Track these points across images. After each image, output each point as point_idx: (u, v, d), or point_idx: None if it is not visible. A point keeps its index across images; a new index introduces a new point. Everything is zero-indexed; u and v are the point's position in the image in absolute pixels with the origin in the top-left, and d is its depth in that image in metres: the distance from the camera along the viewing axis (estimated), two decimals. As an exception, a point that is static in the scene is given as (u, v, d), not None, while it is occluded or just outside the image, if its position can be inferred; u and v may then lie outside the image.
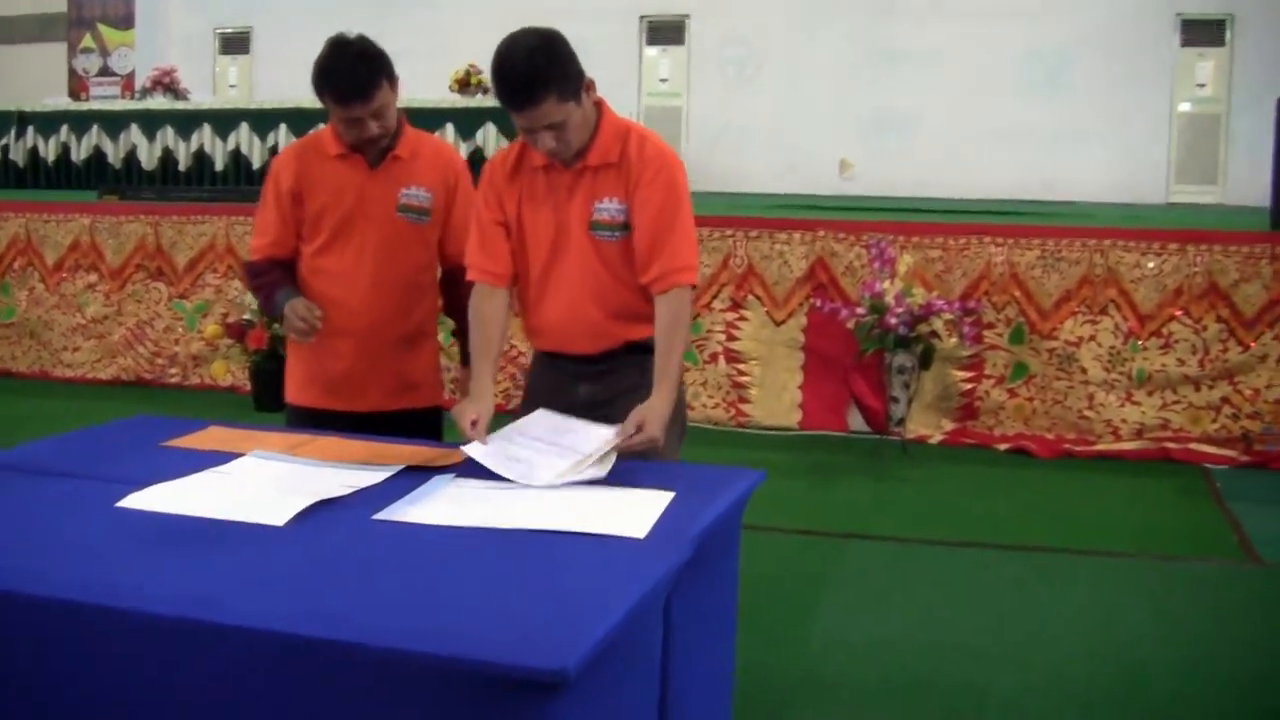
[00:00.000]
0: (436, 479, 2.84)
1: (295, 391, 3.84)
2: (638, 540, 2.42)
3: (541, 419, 3.07)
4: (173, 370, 8.67)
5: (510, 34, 3.07)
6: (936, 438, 7.15)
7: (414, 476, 2.87)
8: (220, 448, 3.12)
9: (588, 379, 3.33)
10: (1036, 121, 13.26)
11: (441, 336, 4.02)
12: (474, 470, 2.93)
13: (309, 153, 3.69)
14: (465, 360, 3.83)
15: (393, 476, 2.86)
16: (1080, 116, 13.17)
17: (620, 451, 2.89)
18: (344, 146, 3.62)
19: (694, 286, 3.22)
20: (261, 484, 2.78)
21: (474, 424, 3.00)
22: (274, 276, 3.69)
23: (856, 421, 7.33)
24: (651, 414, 2.97)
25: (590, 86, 3.12)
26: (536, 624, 1.96)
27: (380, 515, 2.55)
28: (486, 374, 3.22)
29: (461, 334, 3.83)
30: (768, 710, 3.70)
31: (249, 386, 8.00)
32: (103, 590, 2.09)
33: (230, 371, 8.39)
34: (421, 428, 3.69)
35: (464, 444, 2.97)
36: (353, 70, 3.45)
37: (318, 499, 2.61)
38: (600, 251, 3.22)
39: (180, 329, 8.62)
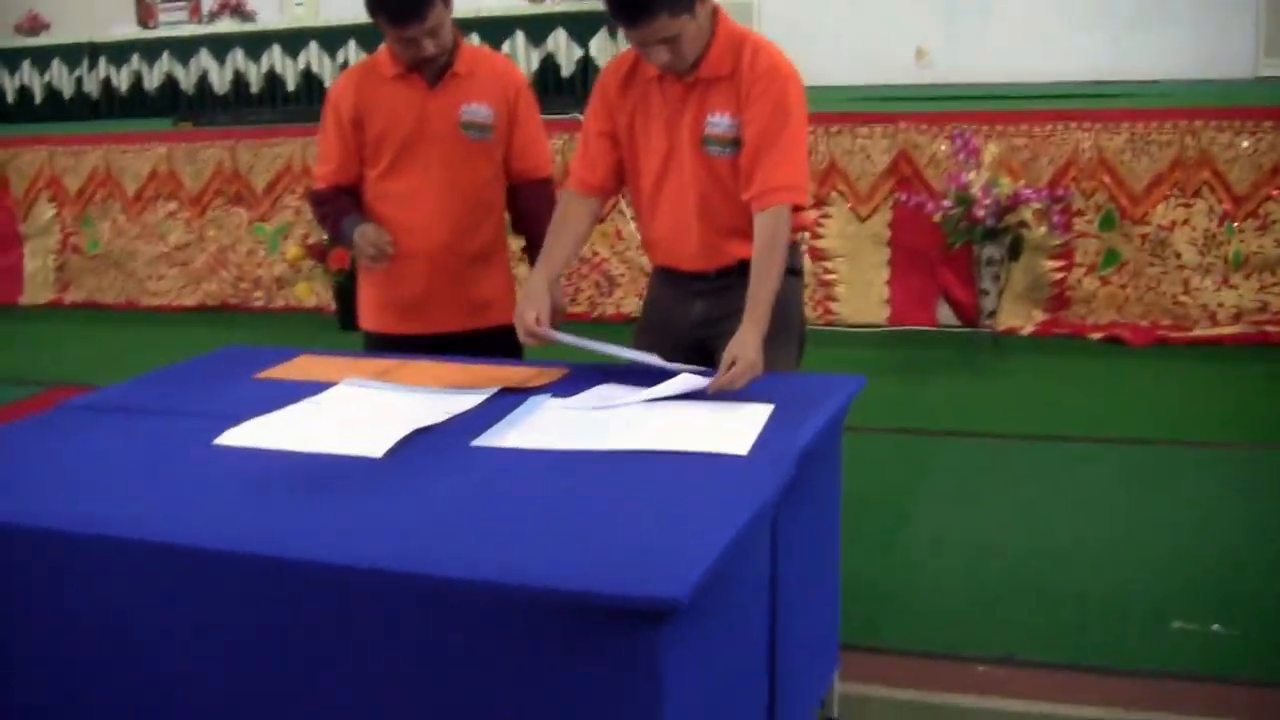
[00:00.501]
0: (532, 400, 2.81)
1: (370, 317, 3.80)
2: (741, 458, 2.38)
3: (626, 391, 2.87)
4: (257, 294, 8.70)
5: None
6: (1028, 329, 7.02)
7: (510, 398, 2.84)
8: (312, 377, 3.11)
9: (702, 295, 3.25)
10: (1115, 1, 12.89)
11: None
12: (570, 387, 2.90)
13: (367, 76, 3.63)
14: None
15: (489, 399, 2.84)
16: (1161, -9, 12.78)
17: (724, 389, 2.75)
18: (401, 67, 3.55)
19: (798, 208, 3.07)
20: (357, 414, 2.76)
21: (537, 321, 2.99)
22: (340, 204, 3.64)
23: (945, 315, 7.22)
24: (744, 346, 2.80)
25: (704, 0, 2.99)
26: (645, 552, 1.93)
27: (479, 441, 2.52)
28: (540, 275, 3.14)
29: (531, 248, 3.76)
30: (870, 620, 3.65)
31: (334, 306, 8.03)
32: (209, 533, 2.07)
33: (315, 292, 8.39)
34: (500, 346, 3.60)
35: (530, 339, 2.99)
36: None
37: (415, 427, 2.59)
38: (712, 167, 3.11)
39: (262, 252, 8.64)
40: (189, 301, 8.86)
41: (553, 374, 3.03)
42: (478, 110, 3.60)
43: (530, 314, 3.01)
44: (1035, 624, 3.68)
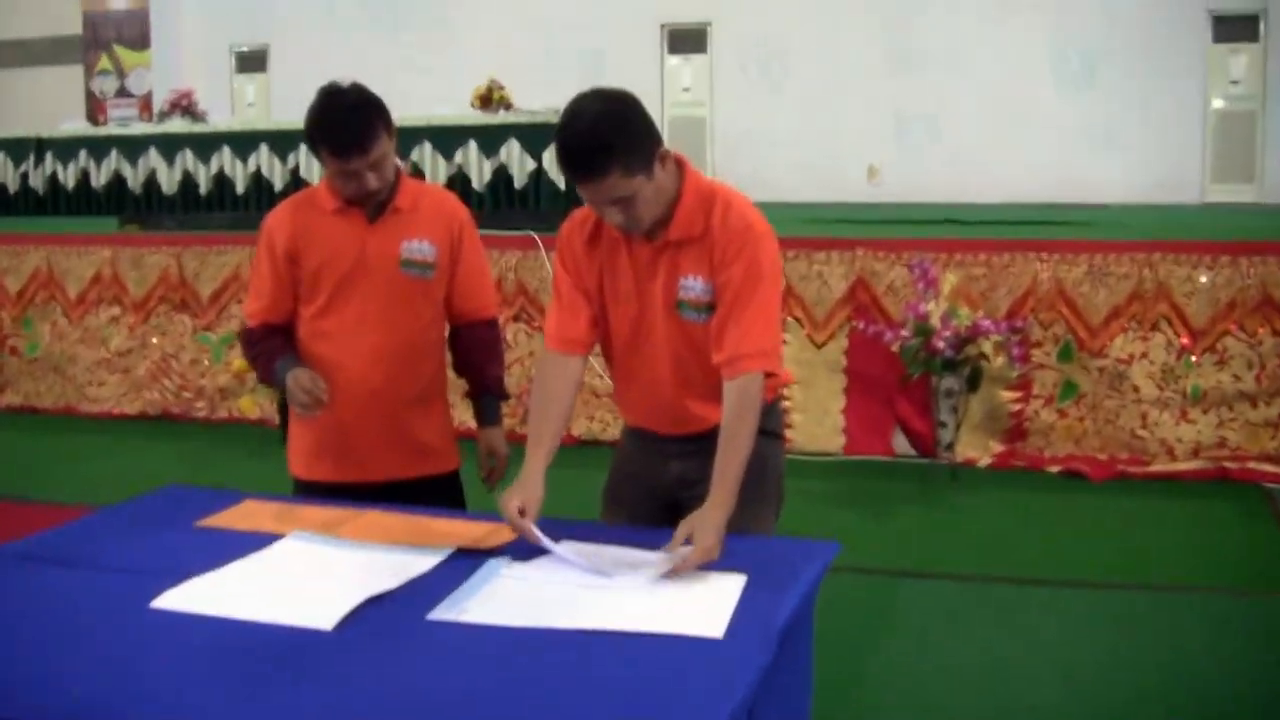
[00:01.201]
0: (490, 564, 2.66)
1: (303, 466, 3.57)
2: (716, 640, 2.24)
3: (578, 548, 2.72)
4: (199, 404, 8.49)
5: (578, 95, 2.80)
6: (985, 460, 6.94)
7: (465, 560, 2.69)
8: (257, 527, 2.95)
9: (679, 457, 3.10)
10: (1067, 121, 13.05)
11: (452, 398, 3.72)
12: (527, 550, 2.75)
13: (304, 209, 3.46)
14: (483, 421, 3.65)
15: (443, 561, 2.69)
16: (1111, 115, 12.95)
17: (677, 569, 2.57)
18: (340, 201, 3.39)
19: (770, 375, 2.89)
20: (305, 575, 2.61)
21: (521, 513, 2.75)
22: (272, 344, 3.44)
23: (901, 445, 7.13)
24: (704, 527, 2.60)
25: (664, 157, 2.81)
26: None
27: (435, 615, 2.37)
28: (538, 458, 2.90)
29: (475, 393, 3.65)
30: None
31: (277, 420, 7.85)
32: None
33: (258, 405, 8.20)
34: (442, 496, 3.48)
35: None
36: (347, 122, 3.22)
37: (367, 596, 2.43)
38: (686, 332, 2.95)
39: (206, 361, 8.45)
40: (129, 409, 8.64)
41: (508, 532, 2.88)
42: (420, 247, 3.43)
43: (514, 503, 2.77)
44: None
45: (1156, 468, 6.72)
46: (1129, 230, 7.67)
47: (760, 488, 2.97)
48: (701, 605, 2.40)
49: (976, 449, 6.96)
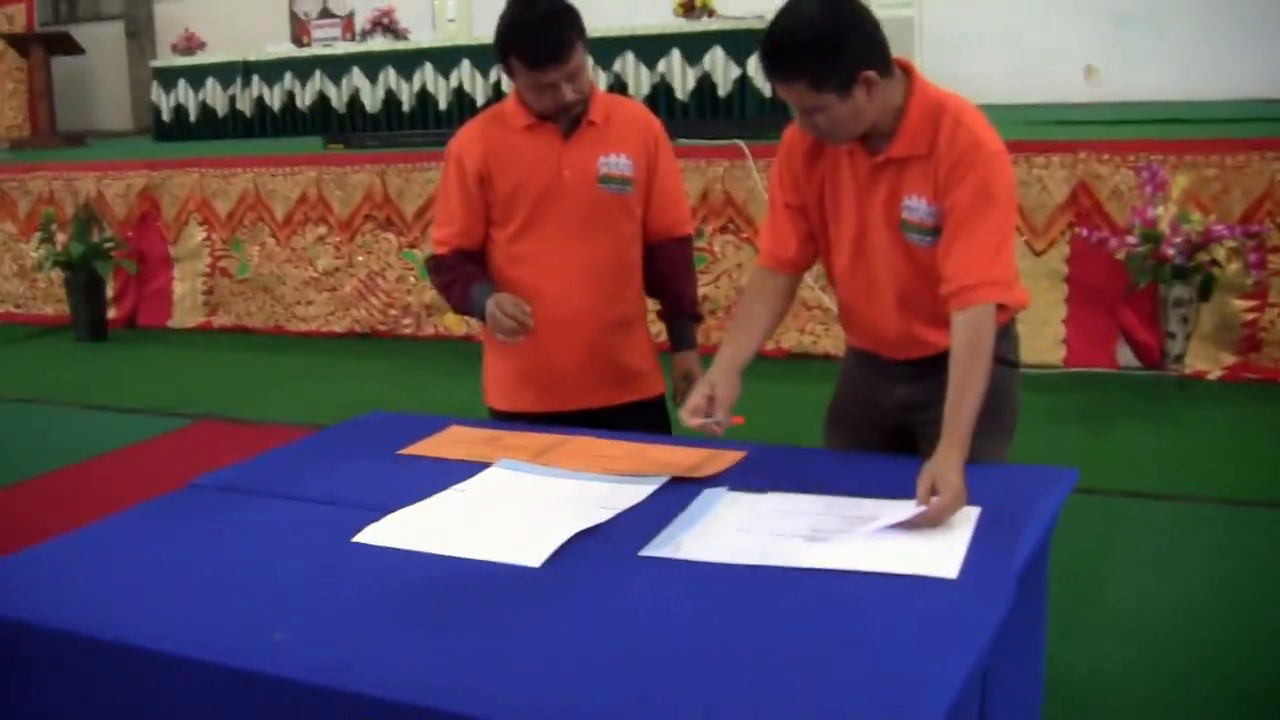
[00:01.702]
0: (705, 495, 2.51)
1: (501, 395, 3.44)
2: (951, 582, 2.06)
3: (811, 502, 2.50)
4: (406, 321, 8.52)
5: None
6: (1215, 373, 6.56)
7: (681, 489, 2.55)
8: (462, 455, 2.86)
9: (905, 379, 2.89)
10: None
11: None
12: (747, 478, 2.60)
13: (493, 128, 3.27)
14: (678, 344, 3.48)
15: (657, 490, 2.55)
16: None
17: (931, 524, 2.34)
18: (533, 116, 3.20)
19: (1003, 306, 2.65)
20: (513, 506, 2.49)
21: (711, 403, 2.65)
22: (465, 271, 3.28)
23: (1125, 356, 6.78)
24: (946, 470, 2.37)
25: (871, 83, 2.54)
26: (858, 703, 1.65)
27: (648, 551, 2.23)
28: (727, 356, 2.77)
29: (669, 312, 3.48)
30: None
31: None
32: (346, 673, 1.81)
33: (465, 321, 8.17)
34: (648, 422, 3.34)
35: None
36: (544, 30, 3.03)
37: (576, 530, 2.31)
38: (911, 254, 2.73)
39: (412, 279, 8.45)
40: (337, 328, 8.72)
41: (727, 458, 2.73)
42: (617, 161, 3.25)
43: (702, 394, 2.66)
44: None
45: (1406, 379, 6.29)
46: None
47: (997, 420, 2.75)
48: (933, 542, 2.22)
49: (1206, 361, 6.58)
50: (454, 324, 8.16)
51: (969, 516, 2.33)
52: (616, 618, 1.97)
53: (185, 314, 9.28)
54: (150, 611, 2.07)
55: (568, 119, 3.22)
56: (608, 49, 9.53)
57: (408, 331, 8.52)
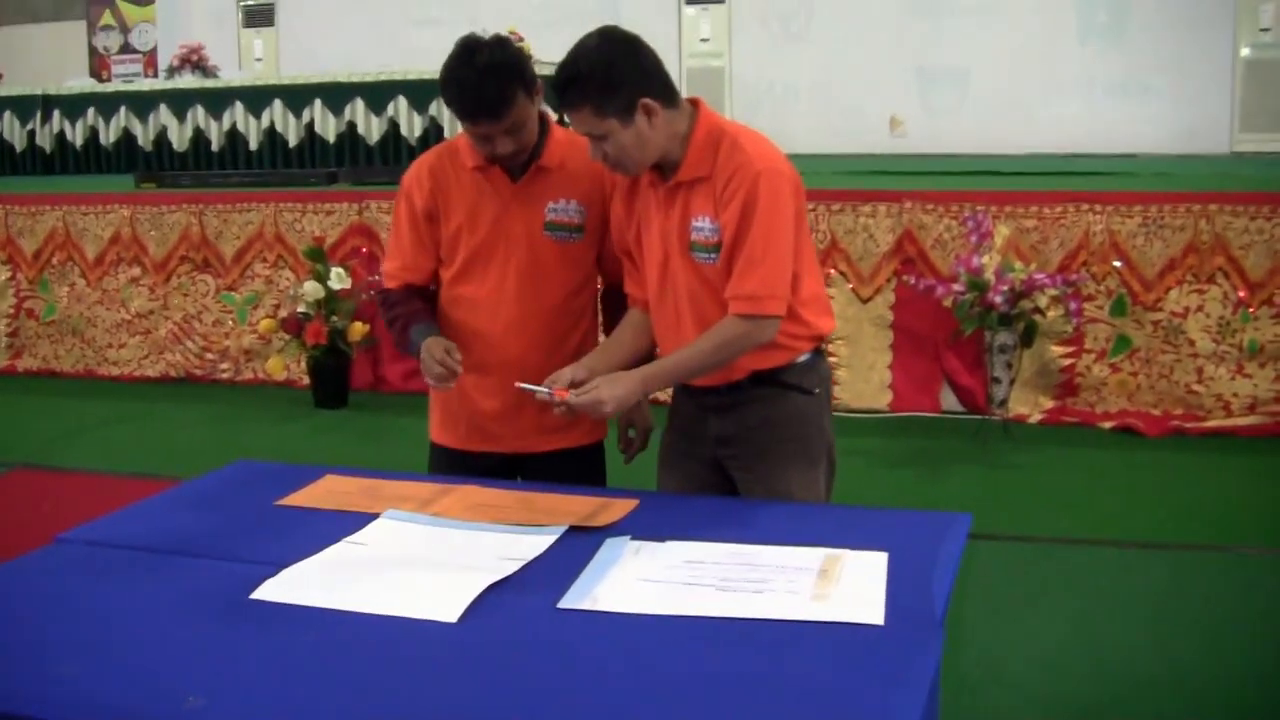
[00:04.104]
0: (610, 544, 2.48)
1: (437, 429, 3.41)
2: (879, 628, 2.06)
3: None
4: (224, 365, 8.28)
5: (591, 31, 2.84)
6: (1035, 417, 6.76)
7: (582, 539, 2.51)
8: (342, 506, 2.77)
9: (715, 411, 3.01)
10: (1093, 71, 12.78)
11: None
12: (646, 526, 2.57)
13: (444, 163, 3.22)
14: None
15: (557, 540, 2.51)
16: (1139, 65, 12.69)
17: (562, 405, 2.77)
18: (482, 157, 3.16)
19: (759, 317, 2.81)
20: (414, 559, 2.42)
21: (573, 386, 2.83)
22: (411, 307, 3.21)
23: (949, 401, 6.95)
24: (613, 385, 2.78)
25: (651, 110, 2.76)
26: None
27: (565, 603, 2.19)
28: (595, 354, 3.07)
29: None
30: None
31: (306, 380, 7.67)
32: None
33: (286, 365, 7.99)
34: (583, 469, 3.29)
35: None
36: (480, 85, 2.96)
37: (489, 583, 2.25)
38: (701, 274, 2.88)
39: (230, 322, 8.23)
40: (151, 372, 8.43)
41: (621, 506, 2.70)
42: (566, 208, 3.18)
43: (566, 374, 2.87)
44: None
45: (1213, 423, 6.54)
46: (1174, 181, 7.43)
47: (804, 448, 2.95)
48: (851, 588, 2.22)
49: (1026, 405, 6.78)
50: (275, 368, 7.95)
51: (879, 561, 2.34)
52: (549, 674, 1.93)
53: (-12, 356, 8.88)
54: (41, 678, 1.94)
55: (516, 162, 3.16)
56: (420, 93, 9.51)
57: (225, 376, 8.28)
